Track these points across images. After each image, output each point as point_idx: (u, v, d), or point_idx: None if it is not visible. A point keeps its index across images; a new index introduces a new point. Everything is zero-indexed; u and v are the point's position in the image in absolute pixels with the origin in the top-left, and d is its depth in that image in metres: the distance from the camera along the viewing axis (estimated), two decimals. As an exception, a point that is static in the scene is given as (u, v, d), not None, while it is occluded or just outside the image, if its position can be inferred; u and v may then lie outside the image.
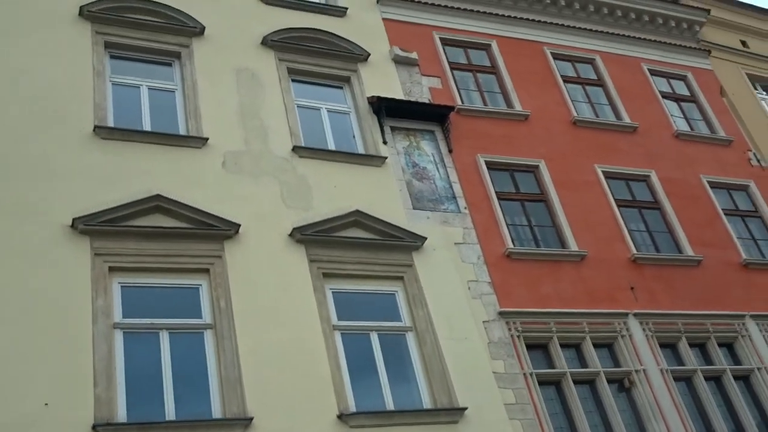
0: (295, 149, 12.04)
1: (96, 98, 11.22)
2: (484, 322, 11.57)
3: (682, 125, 17.02)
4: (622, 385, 12.21)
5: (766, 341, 13.67)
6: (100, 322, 9.14)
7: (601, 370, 12.08)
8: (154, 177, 10.62)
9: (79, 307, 9.15)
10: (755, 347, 13.51)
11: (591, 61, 17.21)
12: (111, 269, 9.66)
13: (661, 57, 18.22)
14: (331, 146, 12.66)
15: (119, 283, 9.68)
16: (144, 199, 10.22)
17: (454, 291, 11.64)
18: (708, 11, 19.29)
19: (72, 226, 9.71)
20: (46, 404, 8.33)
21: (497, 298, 11.97)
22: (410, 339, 10.94)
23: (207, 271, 10.20)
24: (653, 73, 17.79)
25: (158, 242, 10.12)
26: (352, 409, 9.79)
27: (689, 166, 16.04)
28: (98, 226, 9.81)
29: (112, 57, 12.07)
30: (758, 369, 13.25)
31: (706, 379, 12.83)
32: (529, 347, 11.81)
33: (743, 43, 20.00)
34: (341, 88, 13.65)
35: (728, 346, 13.51)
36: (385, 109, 13.23)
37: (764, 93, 19.43)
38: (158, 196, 10.31)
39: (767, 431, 12.68)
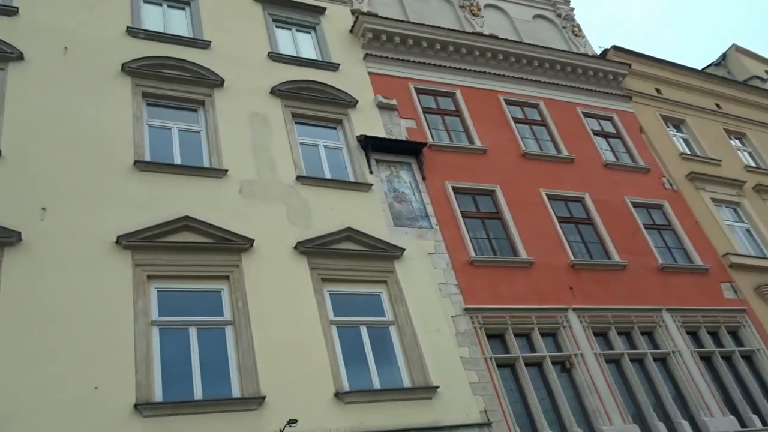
0: (298, 178, 12.10)
1: (135, 138, 11.27)
2: (452, 316, 11.64)
3: (609, 157, 17.16)
4: (564, 366, 12.29)
5: (679, 329, 13.80)
6: (140, 320, 9.19)
7: (547, 355, 12.17)
8: (183, 201, 10.66)
9: (123, 308, 9.21)
10: (670, 335, 13.63)
11: (536, 106, 17.33)
12: (149, 277, 9.70)
13: (592, 102, 18.40)
14: (327, 175, 12.71)
15: (155, 288, 9.72)
16: (175, 220, 10.27)
17: (427, 292, 11.71)
18: (629, 65, 19.53)
19: (117, 242, 9.75)
20: (96, 388, 8.37)
21: (463, 297, 12.04)
22: (393, 331, 11.00)
23: (227, 277, 10.25)
24: (586, 114, 17.94)
25: (187, 254, 10.18)
26: (346, 388, 9.85)
27: (616, 189, 16.16)
28: (138, 242, 9.86)
29: (149, 104, 12.09)
30: (673, 352, 13.37)
31: (632, 360, 12.94)
32: (489, 336, 11.88)
33: (658, 90, 20.24)
34: (335, 128, 13.72)
35: (648, 334, 13.62)
36: (370, 145, 13.34)
37: (675, 130, 19.64)
38: (186, 217, 10.36)
39: (681, 403, 12.81)
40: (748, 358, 14.30)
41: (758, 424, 13.08)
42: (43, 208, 9.71)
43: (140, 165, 10.91)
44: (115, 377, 8.55)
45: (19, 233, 9.22)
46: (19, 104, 10.79)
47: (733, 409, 13.15)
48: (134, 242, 9.82)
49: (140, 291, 9.46)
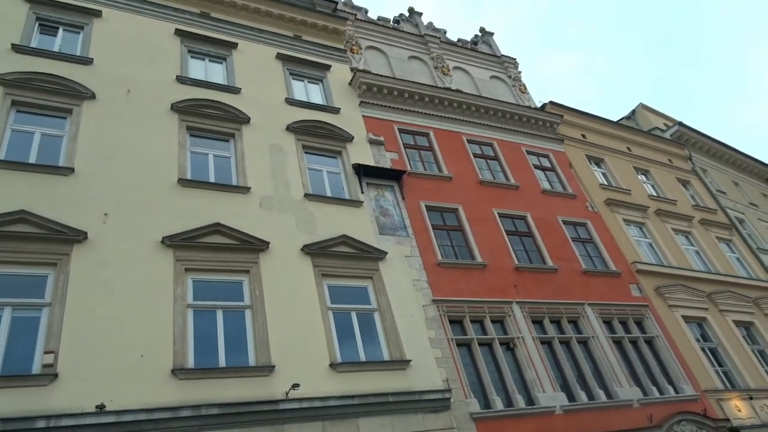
0: (306, 195, 11.99)
1: (180, 161, 11.14)
2: (423, 305, 11.54)
3: (546, 185, 17.16)
4: (509, 346, 12.21)
5: (597, 319, 13.76)
6: (178, 303, 9.04)
7: (496, 337, 12.09)
8: (215, 211, 10.52)
9: (165, 294, 9.07)
10: (590, 323, 13.58)
11: (490, 144, 17.32)
12: (186, 269, 9.54)
13: (533, 143, 18.43)
14: (329, 194, 12.58)
15: (191, 278, 9.56)
16: (208, 225, 10.14)
17: (404, 286, 11.60)
18: (562, 116, 19.62)
19: (162, 242, 9.59)
20: (142, 356, 8.23)
21: (431, 291, 11.95)
22: (376, 316, 10.87)
23: (248, 271, 10.10)
24: (528, 152, 17.95)
25: (217, 253, 10.02)
26: (339, 360, 9.72)
27: (550, 210, 16.17)
28: (179, 242, 9.71)
29: (191, 135, 11.95)
30: (592, 337, 13.32)
31: (560, 343, 12.88)
32: (451, 322, 11.79)
33: (583, 135, 20.35)
34: (335, 157, 13.62)
35: (574, 323, 13.55)
36: (362, 171, 13.24)
37: (596, 167, 19.73)
38: (218, 224, 10.23)
39: (598, 376, 12.72)
40: (649, 342, 14.29)
41: (656, 393, 13.07)
42: (105, 214, 9.55)
43: (183, 182, 10.77)
44: (157, 348, 8.41)
45: (86, 233, 9.06)
46: (91, 132, 10.67)
47: (638, 382, 13.11)
48: (176, 242, 9.67)
49: (179, 281, 9.30)
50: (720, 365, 15.30)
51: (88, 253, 8.93)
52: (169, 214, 10.07)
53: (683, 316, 15.56)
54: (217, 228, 10.16)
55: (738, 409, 13.92)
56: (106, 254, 9.05)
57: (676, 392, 13.38)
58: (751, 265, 20.17)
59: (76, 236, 8.94)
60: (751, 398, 14.40)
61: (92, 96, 11.21)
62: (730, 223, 21.60)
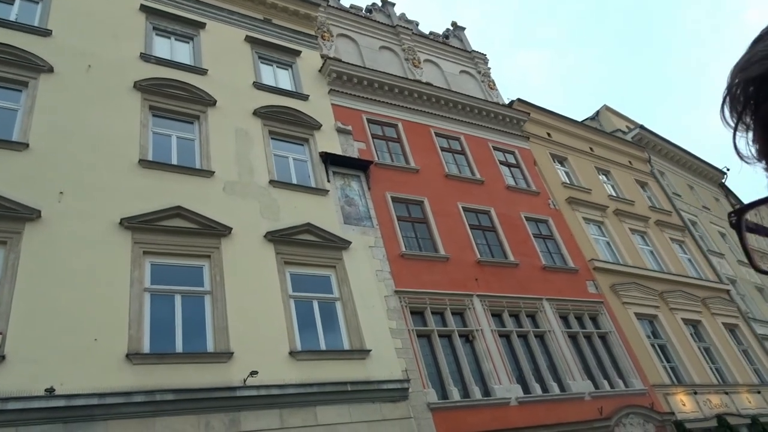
0: (271, 182, 11.85)
1: (141, 141, 10.84)
2: (384, 296, 11.58)
3: (510, 181, 17.38)
4: (468, 338, 12.39)
5: (554, 314, 14.07)
6: (135, 286, 8.84)
7: (455, 329, 12.24)
8: (176, 194, 10.29)
9: (122, 277, 8.85)
10: (547, 318, 13.89)
11: (458, 139, 17.44)
12: (144, 252, 9.33)
13: (500, 139, 18.62)
14: (294, 181, 12.47)
15: (149, 261, 9.35)
16: (169, 208, 9.92)
17: (367, 276, 11.61)
18: (529, 114, 19.89)
19: (120, 223, 9.34)
20: (96, 340, 8.02)
21: (394, 282, 12.00)
22: (338, 306, 10.86)
23: (209, 257, 9.93)
24: (495, 148, 18.13)
25: (177, 237, 9.82)
26: (299, 348, 9.68)
27: (514, 206, 16.40)
28: (137, 224, 9.48)
29: (154, 115, 11.64)
30: (549, 331, 13.63)
31: (518, 336, 13.13)
32: (412, 313, 11.88)
33: (548, 134, 20.68)
34: (302, 145, 13.48)
35: (532, 317, 13.82)
36: (329, 160, 13.17)
37: (559, 165, 20.09)
38: (179, 207, 10.02)
39: (552, 369, 13.05)
40: (603, 338, 14.71)
41: (607, 387, 13.48)
42: (61, 193, 9.23)
43: (144, 163, 10.50)
44: (111, 332, 8.20)
45: (39, 211, 8.75)
46: (47, 107, 10.27)
47: (590, 376, 13.49)
48: (134, 224, 9.43)
49: (137, 263, 9.09)
50: (668, 361, 15.89)
51: (42, 232, 8.63)
52: (128, 195, 9.81)
53: (636, 314, 16.08)
54: (178, 211, 9.95)
55: (683, 403, 14.51)
56: (60, 234, 8.76)
57: (626, 386, 13.84)
58: (702, 266, 20.97)
59: (29, 214, 8.62)
60: (695, 393, 15.02)
61: (50, 69, 10.78)
62: (684, 225, 22.39)
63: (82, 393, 7.35)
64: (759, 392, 17.00)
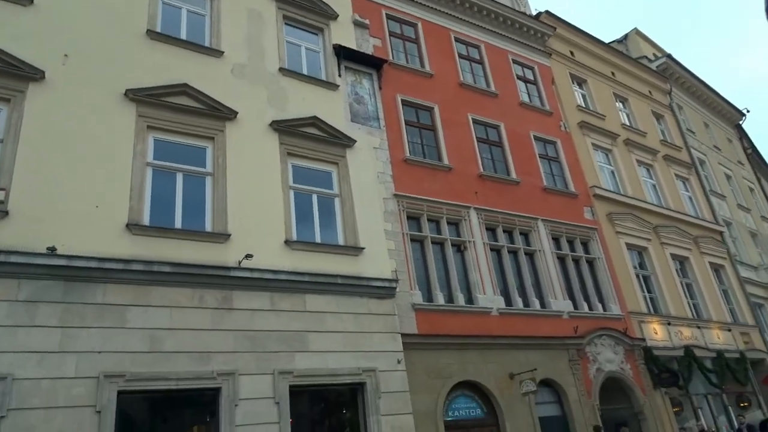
0: (281, 69, 11.49)
1: (150, 10, 10.37)
2: (383, 198, 11.68)
3: (525, 98, 16.94)
4: (459, 248, 12.67)
5: (547, 235, 14.30)
6: (138, 159, 8.86)
7: (449, 238, 12.48)
8: (183, 71, 10.02)
9: (124, 148, 8.84)
10: (540, 238, 14.12)
11: (477, 47, 16.79)
12: (148, 127, 9.25)
13: (521, 52, 17.94)
14: (305, 72, 12.07)
15: (153, 137, 9.29)
16: (176, 85, 9.71)
17: (368, 176, 11.63)
18: (555, 28, 19.06)
19: (125, 94, 9.18)
20: (97, 206, 8.15)
21: (394, 185, 12.05)
22: (336, 202, 10.96)
23: (213, 138, 9.87)
24: (514, 61, 17.52)
25: (182, 115, 9.67)
26: (295, 238, 9.89)
27: (524, 123, 16.13)
28: (143, 97, 9.30)
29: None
30: (539, 251, 13.93)
31: (509, 252, 13.43)
32: (408, 218, 12.04)
33: (571, 53, 19.91)
34: (316, 34, 12.90)
35: (525, 235, 14.06)
36: (342, 53, 12.71)
37: (577, 87, 19.54)
38: (185, 84, 9.80)
39: (537, 286, 13.47)
40: (590, 263, 15.05)
41: (586, 308, 14.02)
42: (66, 55, 8.97)
43: (151, 34, 10.12)
44: (114, 201, 8.33)
45: (43, 72, 8.55)
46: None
47: (571, 297, 13.96)
48: (140, 97, 9.25)
49: (140, 137, 9.04)
50: (649, 292, 16.40)
51: (45, 94, 8.49)
52: (134, 65, 9.55)
53: (627, 243, 16.36)
54: (184, 89, 9.74)
55: (655, 332, 15.15)
56: (64, 97, 8.61)
57: (604, 310, 14.37)
58: (701, 206, 21.04)
59: (33, 74, 8.43)
60: (669, 324, 15.64)
61: None
62: (692, 163, 22.17)
63: (82, 255, 7.58)
64: (729, 330, 17.71)
